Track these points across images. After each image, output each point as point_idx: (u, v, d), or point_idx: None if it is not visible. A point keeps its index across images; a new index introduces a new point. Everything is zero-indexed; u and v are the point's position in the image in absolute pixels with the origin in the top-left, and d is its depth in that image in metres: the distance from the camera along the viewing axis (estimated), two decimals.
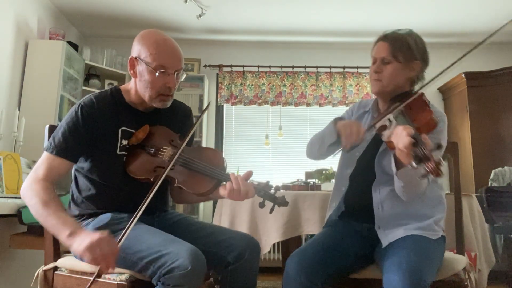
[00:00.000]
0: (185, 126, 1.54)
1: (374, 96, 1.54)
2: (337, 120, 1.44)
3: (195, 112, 4.34)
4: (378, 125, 1.28)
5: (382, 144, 1.42)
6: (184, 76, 1.42)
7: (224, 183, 1.33)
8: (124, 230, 1.16)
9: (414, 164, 1.07)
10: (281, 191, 2.53)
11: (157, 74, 1.32)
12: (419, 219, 1.37)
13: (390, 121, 1.23)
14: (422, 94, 1.32)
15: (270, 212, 1.34)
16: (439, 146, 1.08)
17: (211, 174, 1.34)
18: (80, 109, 1.34)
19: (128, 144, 1.39)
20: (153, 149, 1.40)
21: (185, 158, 1.36)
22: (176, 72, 1.35)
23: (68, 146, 1.31)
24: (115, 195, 1.37)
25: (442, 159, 1.03)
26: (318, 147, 1.52)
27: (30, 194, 1.26)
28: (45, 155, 1.32)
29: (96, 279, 1.12)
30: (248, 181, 1.32)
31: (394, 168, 1.24)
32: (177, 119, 1.54)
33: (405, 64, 1.39)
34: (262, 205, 1.33)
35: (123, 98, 1.43)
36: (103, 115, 1.36)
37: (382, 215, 1.40)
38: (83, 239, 1.10)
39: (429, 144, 1.06)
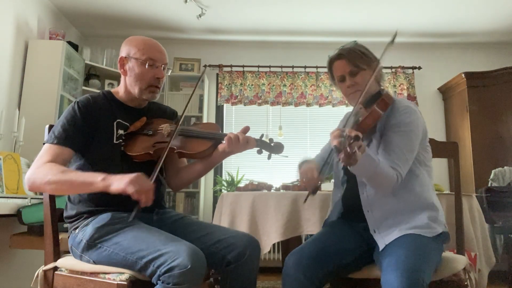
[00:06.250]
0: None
1: None
2: (300, 164, 1.54)
3: (195, 112, 4.34)
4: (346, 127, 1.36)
5: None
6: (170, 71, 1.55)
7: (223, 141, 1.43)
8: (157, 164, 1.30)
9: (336, 154, 1.14)
10: (281, 191, 2.53)
11: (146, 66, 1.44)
12: (411, 217, 1.38)
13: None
14: (383, 91, 1.48)
15: (268, 158, 1.45)
16: (356, 137, 1.13)
17: (207, 136, 1.47)
18: (77, 104, 1.42)
19: (126, 132, 1.47)
20: (151, 131, 1.49)
21: (182, 129, 1.47)
22: (163, 66, 1.48)
23: (68, 135, 1.36)
24: None
25: (357, 149, 1.10)
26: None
27: (41, 175, 1.28)
28: (46, 146, 1.36)
29: (138, 210, 1.24)
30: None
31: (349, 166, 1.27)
32: (166, 117, 1.63)
33: (368, 69, 1.49)
34: (260, 151, 1.46)
35: (114, 97, 1.53)
36: (98, 109, 1.44)
37: (373, 217, 1.42)
38: (122, 177, 1.21)
39: (352, 136, 1.11)
